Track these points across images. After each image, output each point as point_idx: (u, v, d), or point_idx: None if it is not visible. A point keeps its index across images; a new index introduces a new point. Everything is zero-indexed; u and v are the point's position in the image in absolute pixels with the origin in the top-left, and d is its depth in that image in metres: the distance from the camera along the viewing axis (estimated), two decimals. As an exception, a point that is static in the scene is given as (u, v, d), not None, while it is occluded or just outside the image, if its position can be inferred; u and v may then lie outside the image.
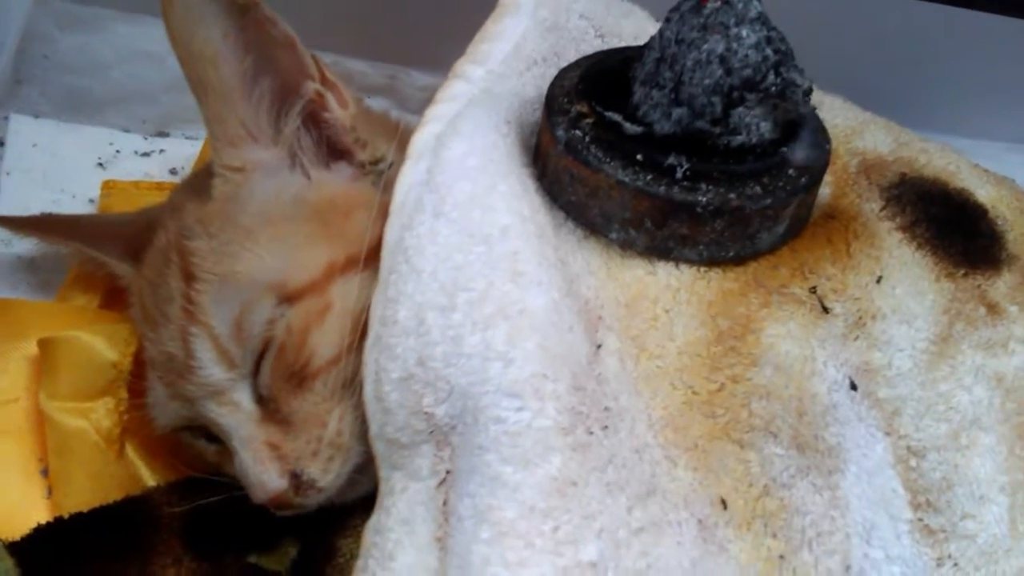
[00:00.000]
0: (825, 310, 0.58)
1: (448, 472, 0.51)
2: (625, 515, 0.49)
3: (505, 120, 0.60)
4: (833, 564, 0.52)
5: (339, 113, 0.64)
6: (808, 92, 0.56)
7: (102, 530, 0.61)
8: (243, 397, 0.60)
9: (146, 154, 0.93)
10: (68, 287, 0.77)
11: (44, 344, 0.68)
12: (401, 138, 0.63)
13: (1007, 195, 0.67)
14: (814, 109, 0.60)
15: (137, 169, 0.91)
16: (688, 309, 0.56)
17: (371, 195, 0.62)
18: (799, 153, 0.57)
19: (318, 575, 0.61)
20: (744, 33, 0.54)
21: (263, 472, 0.58)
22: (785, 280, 0.58)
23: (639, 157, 0.55)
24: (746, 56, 0.54)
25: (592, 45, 0.69)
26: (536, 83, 0.64)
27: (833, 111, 0.71)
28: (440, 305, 0.51)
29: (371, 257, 0.57)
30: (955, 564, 0.54)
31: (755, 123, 0.55)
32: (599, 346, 0.54)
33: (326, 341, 0.58)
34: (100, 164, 0.91)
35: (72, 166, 0.89)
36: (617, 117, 0.56)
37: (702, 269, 0.57)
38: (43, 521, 0.61)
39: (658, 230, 0.56)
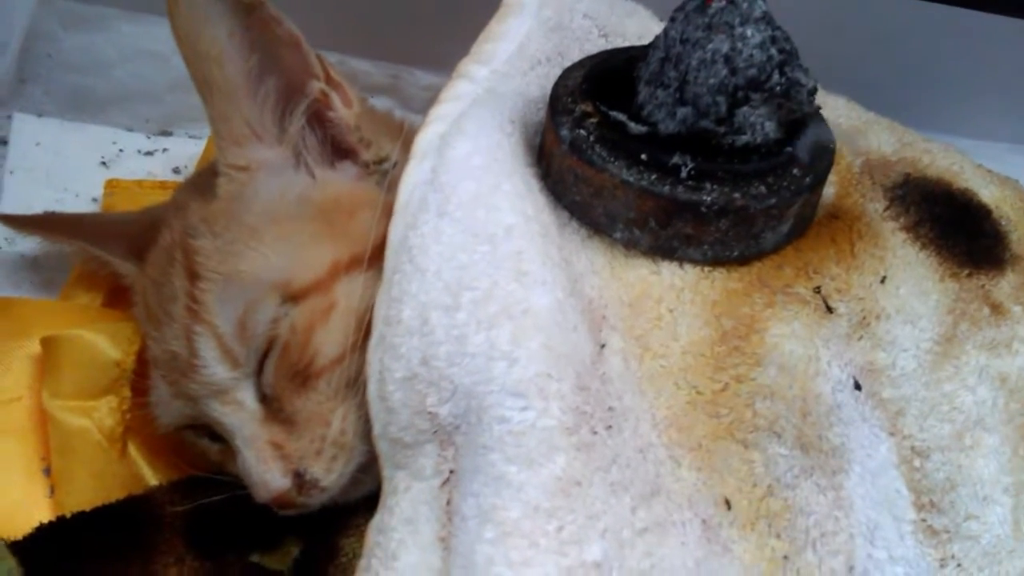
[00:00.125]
0: (829, 310, 0.57)
1: (452, 472, 0.51)
2: (629, 515, 0.49)
3: (509, 120, 0.60)
4: (837, 564, 0.52)
5: (344, 112, 0.64)
6: (813, 92, 0.56)
7: (104, 529, 0.61)
8: (247, 396, 0.60)
9: (149, 153, 0.93)
10: (71, 286, 0.77)
11: (47, 343, 0.68)
12: (405, 138, 0.63)
13: (1011, 195, 0.67)
14: (818, 109, 0.60)
15: (140, 168, 0.91)
16: (692, 309, 0.56)
17: (375, 194, 0.62)
18: (803, 153, 0.57)
19: (320, 574, 0.61)
20: (749, 33, 0.54)
21: (266, 471, 0.58)
22: (789, 280, 0.58)
23: (643, 156, 0.55)
24: (751, 56, 0.54)
25: (596, 45, 0.69)
26: (540, 83, 0.64)
27: (837, 111, 0.71)
28: (444, 304, 0.51)
29: (375, 256, 0.57)
30: (958, 565, 0.54)
31: (760, 123, 0.55)
32: (603, 346, 0.54)
33: (330, 340, 0.58)
34: (103, 163, 0.91)
35: (75, 165, 0.89)
36: (621, 117, 0.56)
37: (706, 269, 0.57)
38: (45, 520, 0.61)
39: (662, 230, 0.56)
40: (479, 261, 0.52)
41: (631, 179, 0.55)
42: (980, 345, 0.59)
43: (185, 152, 0.93)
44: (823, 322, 0.57)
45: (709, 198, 0.54)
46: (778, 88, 0.54)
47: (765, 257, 0.58)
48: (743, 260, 0.58)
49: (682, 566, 0.49)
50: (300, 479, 0.58)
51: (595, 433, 0.50)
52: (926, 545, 0.55)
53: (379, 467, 0.54)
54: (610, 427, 0.51)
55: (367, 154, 0.64)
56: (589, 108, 0.58)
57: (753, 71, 0.54)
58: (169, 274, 0.61)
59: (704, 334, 0.55)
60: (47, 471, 0.67)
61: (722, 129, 0.55)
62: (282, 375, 0.59)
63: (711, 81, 0.54)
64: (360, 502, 0.61)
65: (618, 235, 0.57)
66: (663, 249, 0.57)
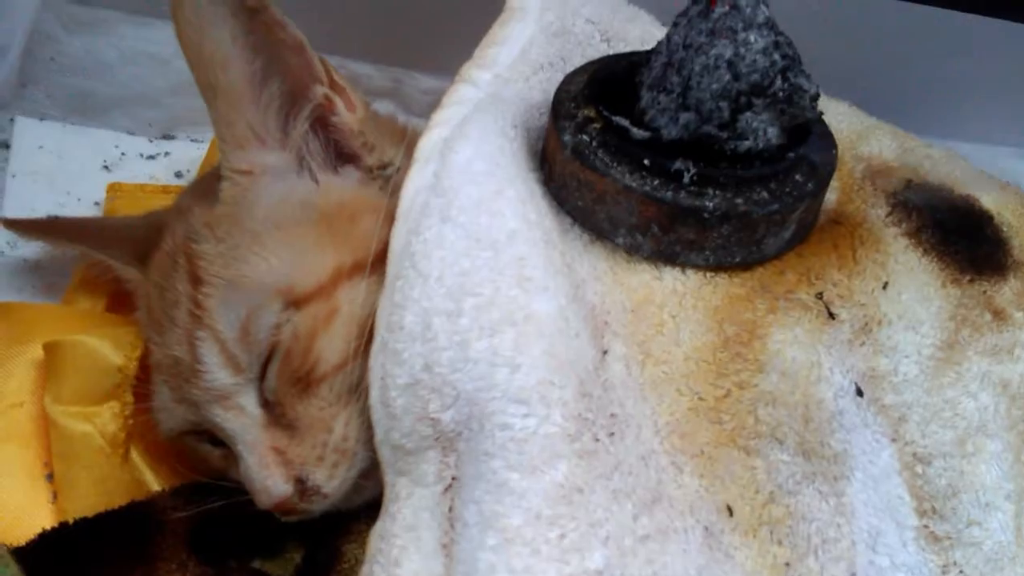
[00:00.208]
0: (831, 316, 0.57)
1: (454, 478, 0.51)
2: (631, 522, 0.49)
3: (512, 124, 0.60)
4: (839, 571, 0.52)
5: (347, 117, 0.64)
6: (815, 97, 0.56)
7: (107, 535, 0.61)
8: (249, 402, 0.60)
9: (151, 157, 0.93)
10: (73, 290, 0.77)
11: (50, 348, 0.68)
12: (409, 142, 0.63)
13: (1012, 201, 0.67)
14: (821, 114, 0.60)
15: (142, 172, 0.91)
16: (694, 315, 0.56)
17: (378, 200, 0.62)
18: (805, 158, 0.57)
19: (323, 580, 0.61)
20: (752, 38, 0.54)
21: (268, 477, 0.58)
22: (791, 286, 0.58)
23: (646, 162, 0.55)
24: (754, 61, 0.54)
25: (598, 50, 0.69)
26: (543, 87, 0.64)
27: (838, 116, 0.71)
28: (447, 310, 0.51)
29: (378, 262, 0.57)
30: (960, 571, 0.54)
31: (762, 128, 0.55)
32: (605, 352, 0.54)
33: (332, 346, 0.58)
34: (106, 167, 0.91)
35: (77, 169, 0.90)
36: (624, 122, 0.56)
37: (708, 274, 0.57)
38: (48, 526, 0.61)
39: (665, 235, 0.56)
40: (482, 267, 0.52)
41: (633, 184, 0.55)
42: (982, 351, 0.59)
43: (187, 156, 0.93)
44: (825, 328, 0.57)
45: (711, 204, 0.54)
46: (781, 94, 0.54)
47: (767, 263, 0.58)
48: (745, 266, 0.58)
49: (684, 573, 0.49)
50: (302, 485, 0.58)
51: (597, 440, 0.50)
52: (928, 551, 0.55)
53: (381, 473, 0.54)
54: (612, 434, 0.51)
55: (370, 159, 0.64)
56: (592, 113, 0.58)
57: (756, 76, 0.54)
58: (172, 279, 0.61)
59: (706, 340, 0.55)
60: (49, 477, 0.67)
61: (725, 134, 0.55)
62: (284, 381, 0.59)
63: (714, 86, 0.54)
64: (362, 508, 0.61)
65: (620, 240, 0.57)
66: (665, 255, 0.57)
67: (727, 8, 0.54)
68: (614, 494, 0.49)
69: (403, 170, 0.59)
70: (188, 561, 0.61)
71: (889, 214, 0.63)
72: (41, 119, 0.92)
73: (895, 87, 0.90)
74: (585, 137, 0.57)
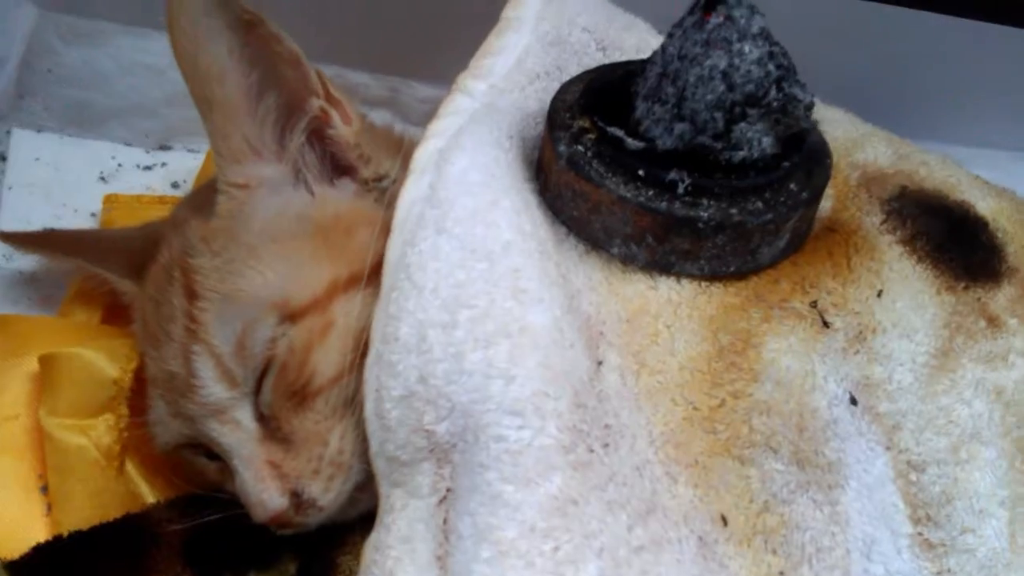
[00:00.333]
0: (826, 324, 0.58)
1: (449, 490, 0.51)
2: (625, 533, 0.49)
3: (507, 135, 0.60)
4: (834, 580, 0.52)
5: (343, 130, 0.64)
6: (810, 107, 0.56)
7: (102, 548, 0.61)
8: (244, 416, 0.60)
9: (148, 167, 0.93)
10: (69, 302, 0.77)
11: (45, 360, 0.68)
12: (406, 154, 0.63)
13: (1008, 207, 0.67)
14: (815, 123, 0.60)
15: (139, 183, 0.91)
16: (689, 324, 0.56)
17: (374, 212, 0.62)
18: (800, 168, 0.57)
19: (318, 591, 0.61)
20: (747, 49, 0.54)
21: (264, 491, 0.58)
22: (786, 294, 0.58)
23: (641, 172, 0.55)
24: (748, 72, 0.54)
25: (594, 59, 0.69)
26: (539, 97, 0.64)
27: (834, 124, 0.71)
28: (442, 322, 0.51)
29: (374, 274, 0.57)
30: (955, 578, 0.54)
31: (757, 138, 0.55)
32: (600, 362, 0.54)
33: (328, 360, 0.58)
34: (102, 178, 0.91)
35: (74, 180, 0.90)
36: (619, 132, 0.56)
37: (703, 284, 0.57)
38: (42, 539, 0.61)
39: (659, 245, 0.56)
40: (477, 279, 0.52)
41: (628, 195, 0.55)
42: (976, 358, 0.59)
43: (184, 166, 0.93)
44: (820, 337, 0.57)
45: (706, 214, 0.54)
46: (775, 104, 0.54)
47: (762, 272, 0.58)
48: (740, 275, 0.58)
49: (679, 583, 0.49)
50: (298, 499, 0.58)
51: (592, 451, 0.50)
52: (923, 559, 0.55)
53: (376, 485, 0.54)
54: (607, 445, 0.51)
55: (366, 171, 0.64)
56: (587, 123, 0.58)
57: (751, 87, 0.54)
58: (167, 293, 0.61)
59: (701, 350, 0.55)
60: (44, 489, 0.67)
61: (719, 145, 0.55)
62: (280, 394, 0.59)
63: (708, 97, 0.54)
64: (357, 519, 0.61)
65: (615, 251, 0.57)
66: (660, 264, 0.57)
67: (721, 19, 0.54)
68: (608, 505, 0.49)
69: (399, 182, 0.59)
70: (183, 574, 0.61)
71: (884, 221, 0.63)
72: (38, 131, 0.92)
73: (892, 92, 0.90)
74: (580, 147, 0.57)
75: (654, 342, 0.55)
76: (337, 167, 0.65)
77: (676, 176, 0.54)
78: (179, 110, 0.90)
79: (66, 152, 0.91)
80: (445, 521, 0.50)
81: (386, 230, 0.56)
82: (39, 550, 0.61)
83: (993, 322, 0.60)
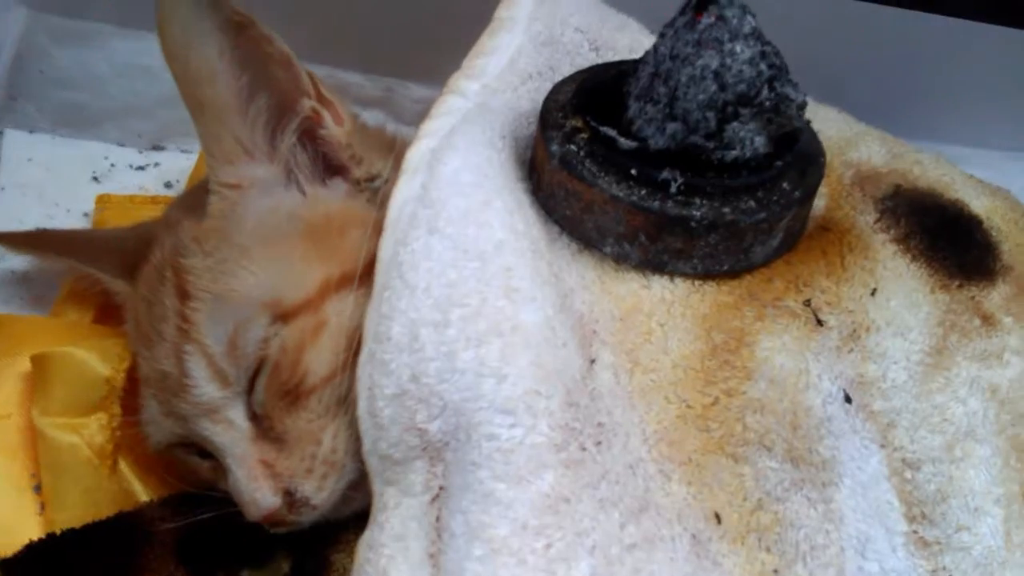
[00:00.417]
0: (819, 323, 0.58)
1: (441, 488, 0.51)
2: (618, 531, 0.49)
3: (500, 135, 0.60)
4: (827, 577, 0.52)
5: (335, 130, 0.64)
6: (802, 106, 0.56)
7: (95, 546, 0.61)
8: (237, 415, 0.60)
9: (141, 168, 0.93)
10: (62, 302, 0.77)
11: (37, 360, 0.68)
12: (398, 154, 0.63)
13: (1001, 206, 0.67)
14: (808, 123, 0.60)
15: (132, 183, 0.91)
16: (682, 323, 0.56)
17: (366, 212, 0.62)
18: (793, 167, 0.57)
19: (312, 590, 0.61)
20: (738, 48, 0.54)
21: (257, 490, 0.58)
22: (779, 293, 0.58)
23: (633, 172, 0.55)
24: (740, 71, 0.54)
25: (587, 59, 0.69)
26: (531, 97, 0.64)
27: (827, 122, 0.71)
28: (434, 321, 0.51)
29: (366, 274, 0.57)
30: (950, 576, 0.54)
31: (749, 138, 0.55)
32: (593, 361, 0.54)
33: (321, 359, 0.58)
34: (95, 178, 0.91)
35: (67, 180, 0.89)
36: (611, 132, 0.56)
37: (697, 282, 0.57)
38: (35, 538, 0.61)
39: (652, 244, 0.56)
40: (469, 278, 0.52)
41: (621, 194, 0.55)
42: (971, 356, 0.59)
43: (177, 166, 0.93)
44: (813, 335, 0.57)
45: (699, 213, 0.54)
46: (767, 103, 0.54)
47: (756, 270, 0.58)
48: (733, 274, 0.58)
49: (672, 582, 0.49)
50: (291, 497, 0.58)
51: (584, 449, 0.50)
52: (918, 557, 0.55)
53: (370, 484, 0.54)
54: (599, 443, 0.51)
55: (358, 171, 0.64)
56: (579, 123, 0.58)
57: (742, 87, 0.54)
58: (160, 293, 0.61)
59: (694, 348, 0.55)
60: (37, 488, 0.66)
61: (711, 144, 0.55)
62: (273, 394, 0.58)
63: (700, 97, 0.54)
64: (351, 518, 0.61)
65: (608, 250, 0.57)
66: (653, 263, 0.57)
67: (713, 19, 0.54)
68: (601, 503, 0.49)
69: (391, 182, 0.59)
70: (176, 572, 0.61)
71: (877, 220, 0.63)
72: (30, 132, 0.92)
73: (885, 92, 0.90)
74: (573, 147, 0.57)
75: (647, 340, 0.55)
76: (329, 167, 0.65)
77: (669, 175, 0.55)
78: (172, 110, 0.88)
79: (59, 152, 0.91)
80: (438, 519, 0.50)
81: (378, 230, 0.56)
82: (32, 548, 0.61)
83: (987, 320, 0.61)
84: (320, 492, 0.58)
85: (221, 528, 0.62)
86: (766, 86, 0.54)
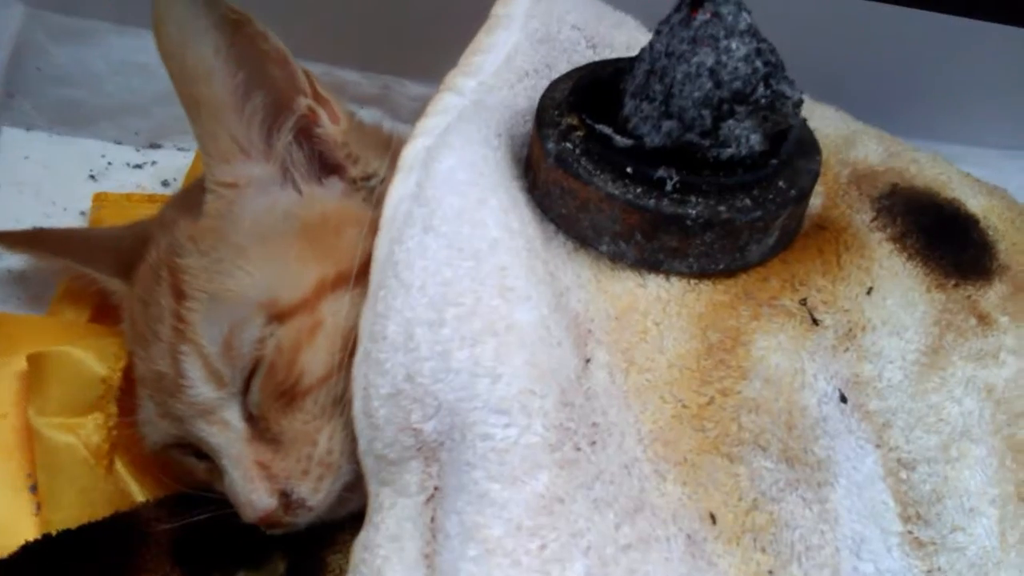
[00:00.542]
0: (815, 322, 0.57)
1: (436, 488, 0.51)
2: (613, 532, 0.49)
3: (496, 133, 0.60)
4: (822, 578, 0.52)
5: (331, 129, 0.63)
6: (798, 104, 0.56)
7: (91, 547, 0.61)
8: (233, 416, 0.59)
9: (138, 166, 0.93)
10: (58, 301, 0.77)
11: (33, 359, 0.68)
12: (394, 152, 0.63)
13: (998, 205, 0.67)
14: (804, 120, 0.60)
15: (129, 181, 0.91)
16: (678, 322, 0.56)
17: (362, 211, 0.62)
18: (789, 165, 0.57)
19: (308, 590, 0.61)
20: (734, 46, 0.54)
21: (252, 491, 0.58)
22: (775, 292, 0.58)
23: (629, 170, 0.55)
24: (736, 69, 0.54)
25: (584, 56, 0.68)
26: (528, 94, 0.64)
27: (824, 121, 0.71)
28: (429, 320, 0.51)
29: (362, 274, 0.57)
30: (944, 576, 0.54)
31: (745, 135, 0.55)
32: (589, 360, 0.54)
33: (316, 359, 0.58)
34: (92, 176, 0.91)
35: (63, 178, 0.90)
36: (607, 130, 0.56)
37: (692, 281, 0.57)
38: (31, 538, 0.61)
39: (648, 243, 0.56)
40: (463, 277, 0.52)
41: (616, 192, 0.55)
42: (966, 356, 0.59)
43: (174, 164, 0.93)
44: (809, 334, 0.57)
45: (694, 211, 0.54)
46: (763, 101, 0.54)
47: (751, 269, 0.58)
48: (729, 273, 0.58)
49: (666, 582, 0.49)
50: (287, 499, 0.58)
51: (579, 449, 0.50)
52: (913, 557, 0.55)
53: (365, 485, 0.54)
54: (594, 443, 0.51)
55: (354, 170, 0.64)
56: (575, 121, 0.58)
57: (738, 84, 0.54)
58: (155, 293, 0.61)
59: (690, 347, 0.55)
60: (33, 488, 0.66)
61: (707, 142, 0.55)
62: (268, 395, 0.58)
63: (696, 94, 0.54)
64: (347, 518, 0.60)
65: (604, 248, 0.57)
66: (649, 262, 0.57)
67: (708, 16, 0.54)
68: (595, 503, 0.49)
69: (387, 181, 0.58)
70: (172, 573, 0.61)
71: (874, 219, 0.63)
72: (27, 129, 0.92)
73: (882, 90, 0.90)
74: (568, 145, 0.57)
75: (643, 340, 0.55)
76: (325, 166, 0.65)
77: (664, 173, 0.54)
78: (169, 108, 0.88)
79: (55, 150, 0.91)
80: (433, 519, 0.50)
81: (374, 229, 0.56)
82: (28, 549, 0.60)
83: (984, 320, 0.61)
84: (316, 494, 0.58)
85: (217, 529, 0.62)
86: (762, 83, 0.54)
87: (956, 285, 0.61)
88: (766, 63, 0.54)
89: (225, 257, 0.60)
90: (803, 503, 0.53)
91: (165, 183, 0.92)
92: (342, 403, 0.58)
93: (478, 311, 0.51)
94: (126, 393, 0.67)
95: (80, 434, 0.66)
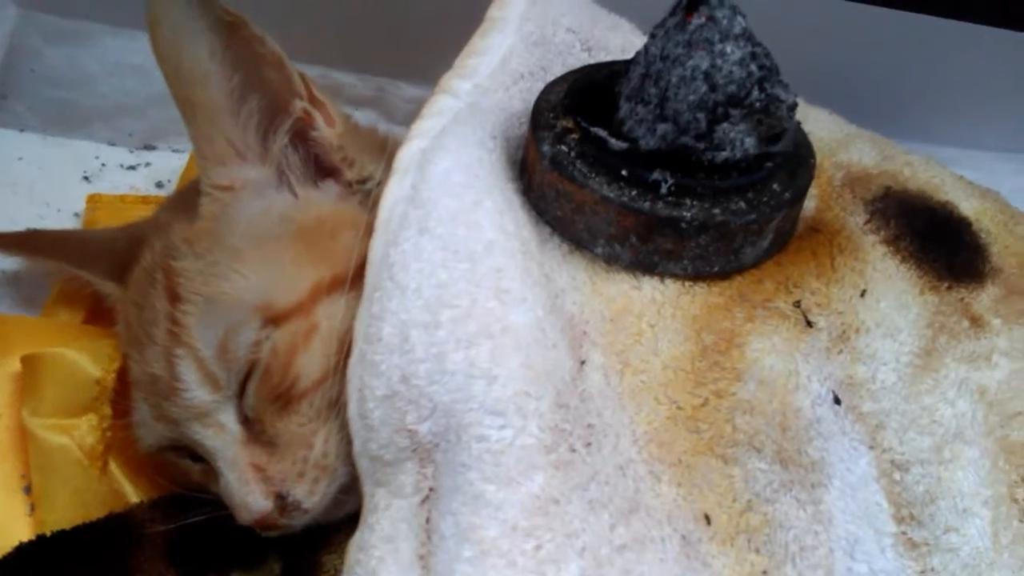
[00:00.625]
0: (809, 324, 0.58)
1: (431, 489, 0.51)
2: (608, 532, 0.49)
3: (491, 135, 0.60)
4: (816, 579, 0.52)
5: (326, 132, 0.63)
6: (793, 107, 0.56)
7: (85, 548, 0.61)
8: (228, 419, 0.59)
9: (132, 167, 0.93)
10: (53, 303, 0.77)
11: (27, 360, 0.68)
12: (390, 155, 0.62)
13: (991, 208, 0.67)
14: (798, 124, 0.60)
15: (123, 182, 0.91)
16: (673, 324, 0.56)
17: (358, 214, 0.62)
18: (783, 168, 0.57)
19: (303, 591, 0.61)
20: (729, 49, 0.54)
21: (248, 494, 0.58)
22: (770, 294, 0.58)
23: (624, 173, 0.55)
24: (731, 72, 0.54)
25: (579, 59, 0.69)
26: (523, 97, 0.64)
27: (818, 124, 0.71)
28: (424, 322, 0.51)
29: (357, 277, 0.57)
30: (938, 577, 0.55)
31: (739, 139, 0.55)
32: (583, 362, 0.54)
33: (312, 363, 0.58)
34: (86, 178, 0.91)
35: (57, 180, 0.90)
36: (602, 132, 0.56)
37: (687, 283, 0.58)
38: (25, 539, 0.61)
39: (643, 245, 0.56)
40: (459, 279, 0.52)
41: (611, 195, 0.55)
42: (959, 358, 0.59)
43: (168, 166, 0.93)
44: (803, 336, 0.57)
45: (689, 214, 0.55)
46: (758, 104, 0.54)
47: (746, 272, 0.58)
48: (724, 275, 0.58)
49: (661, 583, 0.49)
50: (282, 501, 0.58)
51: (574, 451, 0.50)
52: (906, 558, 0.55)
53: (360, 486, 0.54)
54: (589, 444, 0.51)
55: (350, 173, 0.64)
56: (570, 124, 0.58)
57: (733, 88, 0.54)
58: (150, 296, 0.61)
59: (685, 349, 0.56)
60: (27, 489, 0.66)
61: (702, 145, 0.55)
62: (264, 398, 0.58)
63: (691, 98, 0.54)
64: (343, 519, 0.60)
65: (599, 250, 0.57)
66: (644, 264, 0.57)
67: (703, 20, 0.54)
68: (590, 504, 0.49)
69: (383, 183, 0.58)
70: (167, 574, 0.61)
71: (868, 222, 0.64)
72: (21, 131, 0.92)
73: (876, 93, 0.90)
74: (563, 148, 0.57)
75: (637, 341, 0.56)
76: (321, 169, 0.65)
77: (659, 176, 0.55)
78: (163, 110, 0.88)
79: (49, 152, 0.91)
80: (428, 520, 0.50)
81: (370, 232, 0.56)
82: (22, 550, 0.60)
83: (976, 322, 0.61)
84: (311, 496, 0.58)
85: (212, 530, 0.62)
86: (756, 87, 0.54)
87: (949, 288, 0.62)
88: (761, 67, 0.54)
89: (220, 260, 0.60)
90: (797, 504, 0.53)
91: (159, 185, 0.92)
92: (338, 406, 0.58)
93: (474, 313, 0.51)
94: (120, 395, 0.67)
95: (74, 435, 0.66)
